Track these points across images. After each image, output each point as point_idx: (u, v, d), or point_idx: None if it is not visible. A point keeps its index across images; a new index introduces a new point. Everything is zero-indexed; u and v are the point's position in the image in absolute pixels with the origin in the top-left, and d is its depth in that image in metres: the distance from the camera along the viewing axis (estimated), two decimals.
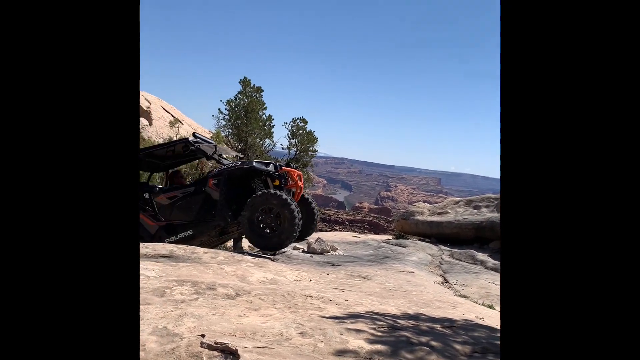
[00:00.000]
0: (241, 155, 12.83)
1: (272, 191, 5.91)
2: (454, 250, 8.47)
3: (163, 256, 4.33)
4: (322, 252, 6.39)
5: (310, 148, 16.44)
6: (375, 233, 22.68)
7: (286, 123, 16.67)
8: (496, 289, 5.40)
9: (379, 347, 2.12)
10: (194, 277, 3.37)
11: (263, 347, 1.93)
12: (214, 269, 3.92)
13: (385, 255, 6.94)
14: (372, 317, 2.73)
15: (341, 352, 2.02)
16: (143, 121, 16.49)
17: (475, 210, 10.31)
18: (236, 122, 15.34)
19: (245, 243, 7.32)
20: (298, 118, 16.59)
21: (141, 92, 18.21)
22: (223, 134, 15.45)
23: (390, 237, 11.71)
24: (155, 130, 15.97)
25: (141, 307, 2.43)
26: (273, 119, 15.97)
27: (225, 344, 1.86)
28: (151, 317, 2.25)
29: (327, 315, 2.65)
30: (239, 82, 15.67)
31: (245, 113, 15.28)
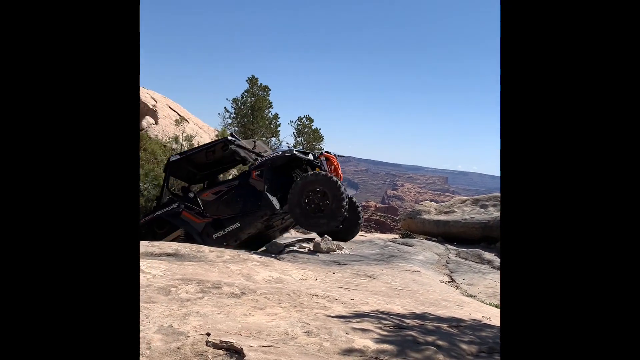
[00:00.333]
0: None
1: (317, 172, 6.07)
2: (460, 249, 8.41)
3: (169, 255, 4.34)
4: (328, 251, 6.37)
5: (317, 146, 16.43)
6: (382, 232, 22.64)
7: (292, 121, 16.71)
8: None
9: (385, 346, 2.10)
10: (200, 276, 3.37)
11: (268, 346, 1.92)
12: (219, 268, 3.92)
13: (392, 254, 6.91)
14: (378, 316, 2.71)
15: (347, 352, 2.01)
16: (150, 120, 16.53)
17: (482, 210, 10.25)
18: (242, 120, 15.37)
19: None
20: (304, 116, 16.60)
21: (147, 91, 18.26)
22: (229, 132, 15.48)
23: (396, 236, 11.68)
24: (162, 128, 16.01)
25: (147, 305, 2.43)
26: (279, 117, 16.00)
27: (230, 342, 1.86)
28: (156, 316, 2.25)
29: (332, 315, 2.64)
30: (246, 81, 15.70)
31: (252, 111, 15.29)
